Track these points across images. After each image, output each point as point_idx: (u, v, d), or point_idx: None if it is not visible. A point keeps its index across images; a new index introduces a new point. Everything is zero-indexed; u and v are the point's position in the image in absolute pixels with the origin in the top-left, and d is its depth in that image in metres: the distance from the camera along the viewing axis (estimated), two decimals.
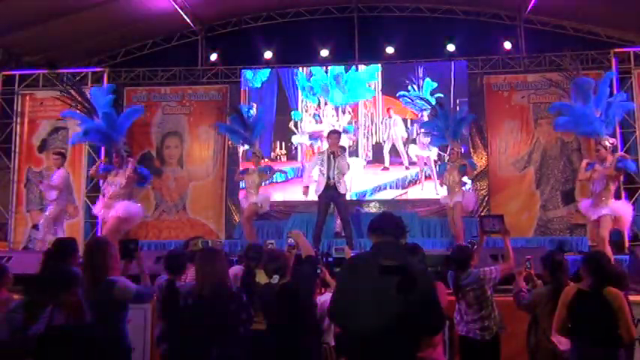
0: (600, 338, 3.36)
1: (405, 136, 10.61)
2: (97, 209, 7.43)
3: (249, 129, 8.33)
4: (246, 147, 9.00)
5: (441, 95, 10.15)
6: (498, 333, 4.20)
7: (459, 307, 4.30)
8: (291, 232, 4.10)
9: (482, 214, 9.45)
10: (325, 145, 8.82)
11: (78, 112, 7.60)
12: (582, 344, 3.41)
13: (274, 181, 9.78)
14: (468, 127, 9.69)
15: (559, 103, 7.50)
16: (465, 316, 4.23)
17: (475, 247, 4.66)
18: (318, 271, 4.28)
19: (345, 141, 10.06)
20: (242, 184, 8.92)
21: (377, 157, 10.67)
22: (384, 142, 10.69)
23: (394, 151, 10.62)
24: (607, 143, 6.69)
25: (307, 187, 7.67)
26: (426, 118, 9.82)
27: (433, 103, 8.84)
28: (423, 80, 10.64)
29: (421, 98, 9.66)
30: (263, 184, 8.30)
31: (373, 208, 10.09)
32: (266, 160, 8.78)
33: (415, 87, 10.62)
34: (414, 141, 10.54)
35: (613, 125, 7.23)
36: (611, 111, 6.96)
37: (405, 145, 10.58)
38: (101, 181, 7.86)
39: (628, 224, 6.92)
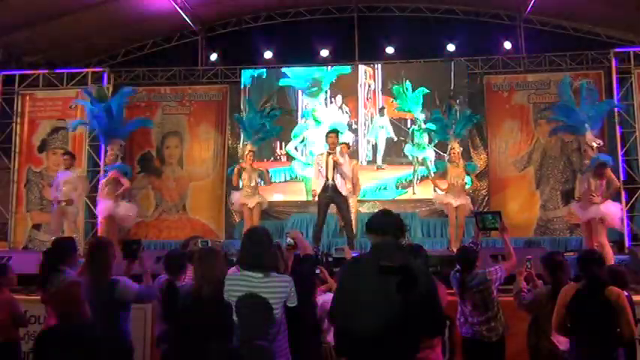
0: (599, 338, 3.35)
1: (391, 136, 10.62)
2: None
3: (262, 130, 8.39)
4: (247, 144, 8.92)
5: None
6: (504, 334, 4.17)
7: (463, 309, 4.23)
8: (290, 232, 4.08)
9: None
10: None
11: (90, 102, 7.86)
12: (581, 344, 3.41)
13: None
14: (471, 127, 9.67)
15: (561, 107, 7.45)
16: (469, 317, 4.17)
17: (478, 247, 4.62)
18: (317, 271, 4.27)
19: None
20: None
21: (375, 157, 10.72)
22: (376, 141, 10.71)
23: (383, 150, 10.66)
24: (594, 144, 6.81)
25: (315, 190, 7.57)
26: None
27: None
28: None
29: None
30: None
31: (373, 208, 10.08)
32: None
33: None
34: (412, 141, 10.56)
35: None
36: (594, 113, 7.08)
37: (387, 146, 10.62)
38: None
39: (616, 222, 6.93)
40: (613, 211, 6.71)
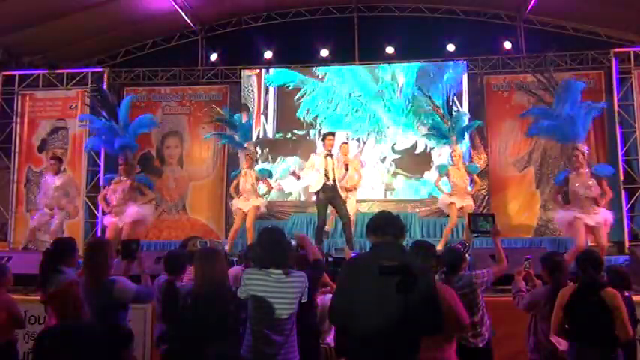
0: (597, 338, 3.36)
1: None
2: (107, 220, 7.58)
3: (238, 132, 8.45)
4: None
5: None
6: (490, 339, 4.05)
7: None
8: (297, 236, 4.01)
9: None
10: None
11: (96, 117, 8.04)
12: (579, 344, 3.42)
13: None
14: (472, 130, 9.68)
15: (539, 107, 7.52)
16: None
17: (466, 248, 4.56)
18: None
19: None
20: None
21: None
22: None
23: None
24: (584, 149, 6.84)
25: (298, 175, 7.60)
26: None
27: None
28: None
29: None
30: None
31: (373, 208, 10.08)
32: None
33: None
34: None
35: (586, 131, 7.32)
36: (586, 116, 7.08)
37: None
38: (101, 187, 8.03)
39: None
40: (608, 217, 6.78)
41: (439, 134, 8.63)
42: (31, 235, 8.07)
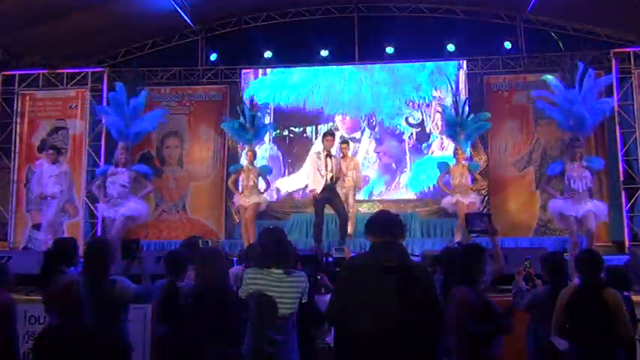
0: (598, 339, 3.36)
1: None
2: (103, 209, 7.55)
3: (252, 129, 8.42)
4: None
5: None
6: None
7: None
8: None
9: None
10: None
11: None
12: (580, 345, 3.42)
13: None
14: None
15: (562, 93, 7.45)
16: None
17: None
18: (319, 276, 4.28)
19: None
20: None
21: None
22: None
23: None
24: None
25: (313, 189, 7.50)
26: None
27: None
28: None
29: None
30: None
31: (373, 208, 10.07)
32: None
33: None
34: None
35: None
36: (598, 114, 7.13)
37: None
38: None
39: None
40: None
41: (449, 124, 8.65)
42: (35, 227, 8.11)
